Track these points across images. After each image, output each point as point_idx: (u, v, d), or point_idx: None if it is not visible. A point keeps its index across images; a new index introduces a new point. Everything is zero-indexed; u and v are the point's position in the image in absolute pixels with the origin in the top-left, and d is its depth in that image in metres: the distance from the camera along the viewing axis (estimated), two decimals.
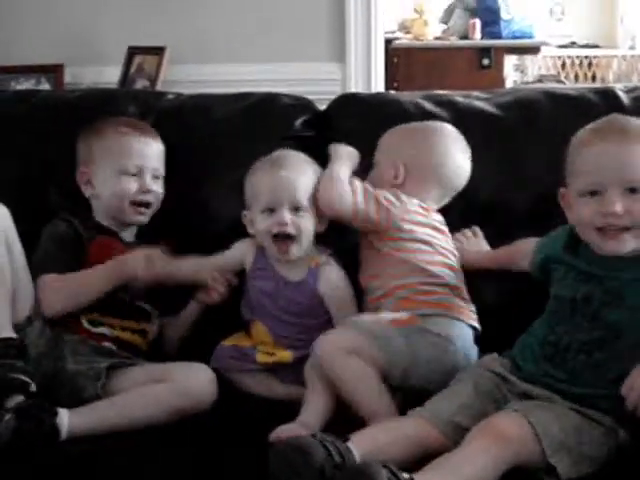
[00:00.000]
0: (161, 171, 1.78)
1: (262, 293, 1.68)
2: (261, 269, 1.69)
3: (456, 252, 1.70)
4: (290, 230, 1.61)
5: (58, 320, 1.63)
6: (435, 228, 1.68)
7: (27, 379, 1.47)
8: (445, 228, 1.71)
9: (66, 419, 1.44)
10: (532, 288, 1.60)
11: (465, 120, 1.82)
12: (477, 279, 1.71)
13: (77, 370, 1.55)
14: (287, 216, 1.61)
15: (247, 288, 1.70)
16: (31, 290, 1.63)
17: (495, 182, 1.80)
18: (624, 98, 1.86)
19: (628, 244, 1.43)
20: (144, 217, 1.75)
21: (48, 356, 1.58)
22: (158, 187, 1.76)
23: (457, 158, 1.73)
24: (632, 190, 1.42)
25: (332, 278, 1.65)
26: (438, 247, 1.66)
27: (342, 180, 1.64)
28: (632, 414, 1.36)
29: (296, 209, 1.62)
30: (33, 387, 1.48)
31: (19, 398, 1.45)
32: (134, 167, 1.73)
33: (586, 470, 1.34)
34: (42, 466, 1.37)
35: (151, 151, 1.75)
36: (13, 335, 1.54)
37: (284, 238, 1.62)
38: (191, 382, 1.52)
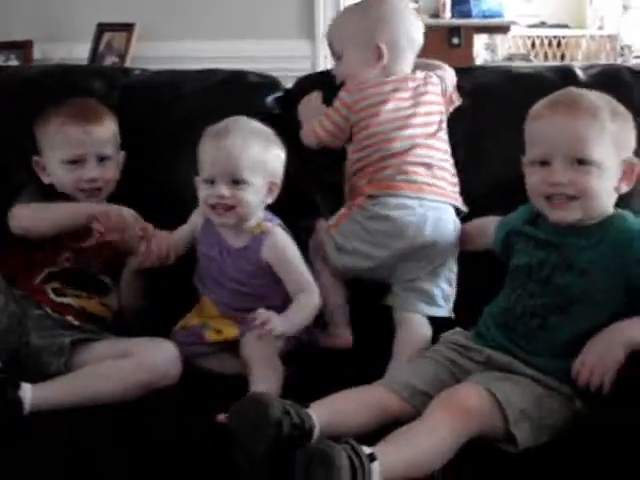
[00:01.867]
0: (109, 152, 1.78)
1: (208, 259, 1.70)
2: (207, 235, 1.71)
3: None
4: (227, 202, 1.62)
5: (23, 292, 1.66)
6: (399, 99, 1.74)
7: None
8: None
9: (29, 393, 1.45)
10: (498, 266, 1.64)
11: None
12: None
13: (41, 345, 1.57)
14: (224, 190, 1.62)
15: (197, 255, 1.72)
16: None
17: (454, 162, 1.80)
18: (582, 75, 1.89)
19: (574, 212, 1.48)
20: (96, 199, 1.77)
21: (12, 331, 1.58)
22: (106, 170, 1.77)
23: (413, 14, 1.84)
24: (579, 162, 1.46)
25: (276, 244, 1.65)
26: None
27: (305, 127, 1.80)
28: (596, 395, 1.39)
29: (236, 182, 1.62)
30: None
31: None
32: (75, 156, 1.74)
33: (544, 439, 1.37)
34: (4, 439, 1.37)
35: (92, 138, 1.75)
36: None
37: (222, 207, 1.64)
38: (156, 357, 1.54)
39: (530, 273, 1.52)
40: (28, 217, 1.71)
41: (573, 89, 1.59)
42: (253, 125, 1.69)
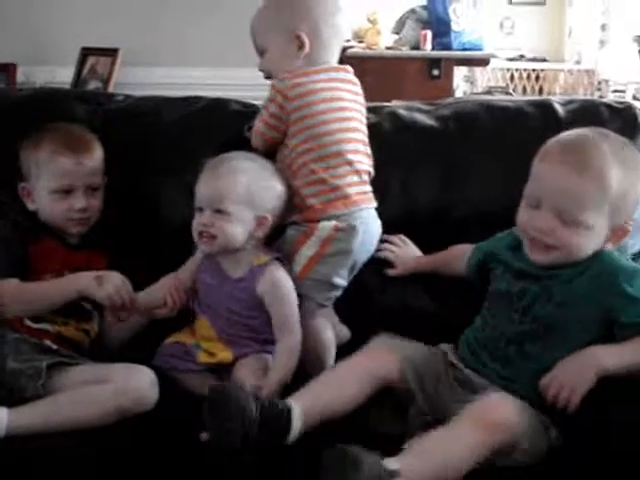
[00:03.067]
0: (97, 181, 1.77)
1: (207, 286, 1.72)
2: (207, 263, 1.73)
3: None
4: (209, 230, 1.65)
5: None
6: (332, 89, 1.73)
7: None
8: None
9: (5, 417, 1.45)
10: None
11: (406, 132, 1.89)
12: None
13: (18, 369, 1.56)
14: (206, 218, 1.65)
15: (196, 281, 1.74)
16: None
17: (433, 193, 1.85)
18: (560, 110, 1.91)
19: (553, 258, 1.48)
20: (83, 227, 1.76)
21: None
22: (94, 199, 1.76)
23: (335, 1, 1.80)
24: (569, 220, 1.44)
25: (272, 279, 1.67)
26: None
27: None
28: (562, 412, 1.41)
29: (218, 211, 1.65)
30: None
31: None
32: (64, 186, 1.73)
33: (522, 460, 1.39)
34: None
35: (84, 169, 1.73)
36: None
37: (206, 236, 1.66)
38: (132, 383, 1.53)
39: (510, 301, 1.53)
40: (11, 300, 1.66)
41: (592, 136, 1.51)
42: (250, 159, 1.71)
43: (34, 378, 1.54)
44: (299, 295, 1.68)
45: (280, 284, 1.67)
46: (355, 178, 1.72)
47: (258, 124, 1.76)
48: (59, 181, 1.72)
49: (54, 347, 1.62)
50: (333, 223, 1.68)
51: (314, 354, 1.69)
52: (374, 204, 1.75)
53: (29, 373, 1.54)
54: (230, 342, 1.69)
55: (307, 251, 1.69)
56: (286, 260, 1.71)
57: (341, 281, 1.72)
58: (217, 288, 1.71)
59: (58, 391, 1.53)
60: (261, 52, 1.80)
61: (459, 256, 1.73)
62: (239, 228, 1.66)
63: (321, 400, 1.46)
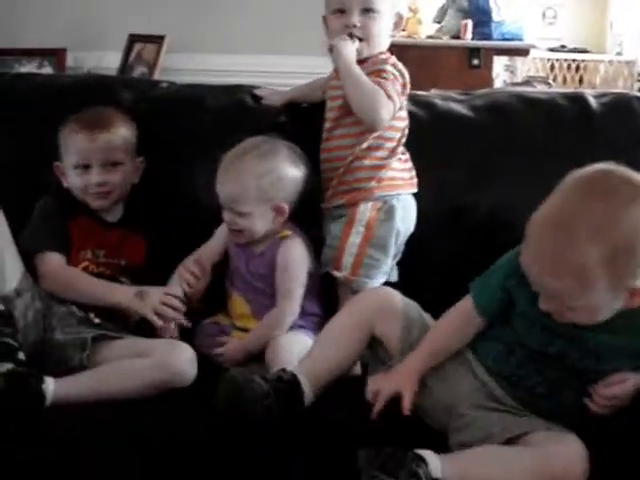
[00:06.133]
0: (116, 157, 1.82)
1: (237, 264, 1.79)
2: (238, 244, 1.79)
3: None
4: (234, 227, 1.74)
5: None
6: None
7: (15, 343, 1.55)
8: None
9: (52, 386, 1.50)
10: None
11: (441, 121, 1.92)
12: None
13: (65, 340, 1.63)
14: (227, 217, 1.74)
15: (229, 258, 1.81)
16: (19, 264, 1.70)
17: (466, 181, 1.88)
18: (593, 103, 1.92)
19: (570, 320, 1.35)
20: (105, 201, 1.82)
21: (36, 327, 1.65)
22: (114, 174, 1.81)
23: None
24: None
25: (289, 251, 1.73)
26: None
27: (379, 94, 1.70)
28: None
29: (237, 213, 1.72)
30: (21, 355, 1.55)
31: (8, 365, 1.51)
32: (81, 162, 1.80)
33: None
34: (26, 430, 1.42)
35: (97, 145, 1.79)
36: (1, 307, 1.60)
37: (234, 231, 1.75)
38: (172, 359, 1.58)
39: (544, 354, 1.41)
40: (50, 277, 1.75)
41: (615, 175, 1.31)
42: (262, 151, 1.74)
43: (80, 349, 1.61)
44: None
45: (293, 258, 1.73)
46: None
47: (394, 95, 1.73)
48: (75, 157, 1.81)
49: (97, 321, 1.68)
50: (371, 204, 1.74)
51: None
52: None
53: (75, 344, 1.61)
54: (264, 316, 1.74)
55: (354, 239, 1.73)
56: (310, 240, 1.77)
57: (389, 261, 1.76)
58: (244, 264, 1.77)
59: (101, 363, 1.59)
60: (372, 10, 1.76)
61: (452, 333, 1.51)
62: (259, 222, 1.73)
63: (320, 363, 1.51)
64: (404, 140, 1.79)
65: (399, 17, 1.79)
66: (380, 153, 1.75)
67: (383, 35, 1.77)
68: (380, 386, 1.46)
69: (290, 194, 1.74)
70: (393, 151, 1.76)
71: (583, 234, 1.23)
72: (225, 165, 1.74)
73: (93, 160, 1.80)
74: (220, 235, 1.82)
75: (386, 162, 1.75)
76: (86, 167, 1.80)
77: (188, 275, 1.77)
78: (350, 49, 1.72)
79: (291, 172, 1.74)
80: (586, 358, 1.39)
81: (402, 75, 1.75)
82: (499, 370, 1.45)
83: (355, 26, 1.73)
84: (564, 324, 1.35)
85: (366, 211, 1.74)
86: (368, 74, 1.72)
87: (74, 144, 1.81)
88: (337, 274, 1.72)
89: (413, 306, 1.56)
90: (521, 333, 1.43)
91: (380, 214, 1.73)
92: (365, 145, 1.74)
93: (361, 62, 1.75)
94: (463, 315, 1.49)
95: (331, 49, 1.75)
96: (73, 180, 1.82)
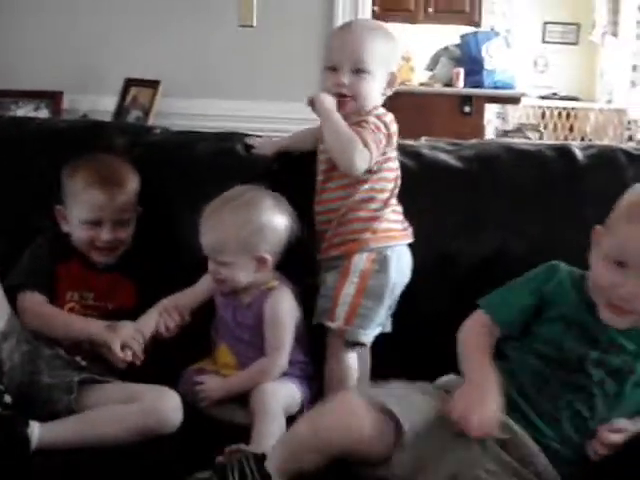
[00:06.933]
0: (127, 216, 1.82)
1: (223, 314, 1.79)
2: (223, 294, 1.79)
3: None
4: (218, 277, 1.74)
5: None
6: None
7: (1, 386, 1.55)
8: None
9: (37, 431, 1.50)
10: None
11: (429, 171, 1.93)
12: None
13: (51, 383, 1.63)
14: (212, 266, 1.75)
15: (216, 311, 1.81)
16: (5, 305, 1.70)
17: (454, 231, 1.89)
18: (580, 155, 1.94)
19: (628, 322, 1.42)
20: (110, 258, 1.83)
21: (22, 370, 1.65)
22: (123, 232, 1.82)
23: None
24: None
25: (276, 302, 1.73)
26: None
27: (354, 140, 1.69)
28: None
29: (221, 263, 1.73)
30: (7, 398, 1.55)
31: None
32: (95, 219, 1.79)
33: None
34: (11, 474, 1.42)
35: (115, 204, 1.79)
36: None
37: (217, 280, 1.76)
38: (159, 405, 1.58)
39: (580, 369, 1.42)
40: (31, 314, 1.75)
41: None
42: (243, 202, 1.74)
43: (67, 392, 1.60)
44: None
45: (281, 310, 1.73)
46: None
47: (372, 146, 1.72)
48: (89, 213, 1.79)
49: (83, 364, 1.69)
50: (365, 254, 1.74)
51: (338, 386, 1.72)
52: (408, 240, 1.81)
53: (62, 387, 1.61)
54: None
55: (348, 289, 1.73)
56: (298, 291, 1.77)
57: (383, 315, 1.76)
58: (231, 314, 1.77)
59: (88, 407, 1.59)
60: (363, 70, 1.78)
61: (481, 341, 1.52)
62: (241, 272, 1.73)
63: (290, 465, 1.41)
64: (397, 191, 1.80)
65: (392, 76, 1.80)
66: (374, 205, 1.76)
67: (373, 95, 1.77)
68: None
69: (272, 245, 1.74)
70: (386, 202, 1.77)
71: None
72: (207, 215, 1.75)
73: (106, 217, 1.79)
74: (204, 282, 1.82)
75: (380, 214, 1.76)
76: (96, 223, 1.80)
77: (167, 316, 1.77)
78: (330, 99, 1.74)
79: (273, 222, 1.74)
80: (625, 366, 1.41)
81: (386, 126, 1.75)
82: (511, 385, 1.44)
83: (345, 85, 1.75)
84: (602, 328, 1.41)
85: (360, 262, 1.74)
86: (351, 124, 1.73)
87: (89, 199, 1.78)
88: (331, 325, 1.72)
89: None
90: (553, 338, 1.44)
91: (375, 265, 1.74)
92: (358, 197, 1.75)
93: (347, 117, 1.75)
94: (481, 327, 1.54)
95: (311, 102, 1.76)
96: (78, 233, 1.81)
